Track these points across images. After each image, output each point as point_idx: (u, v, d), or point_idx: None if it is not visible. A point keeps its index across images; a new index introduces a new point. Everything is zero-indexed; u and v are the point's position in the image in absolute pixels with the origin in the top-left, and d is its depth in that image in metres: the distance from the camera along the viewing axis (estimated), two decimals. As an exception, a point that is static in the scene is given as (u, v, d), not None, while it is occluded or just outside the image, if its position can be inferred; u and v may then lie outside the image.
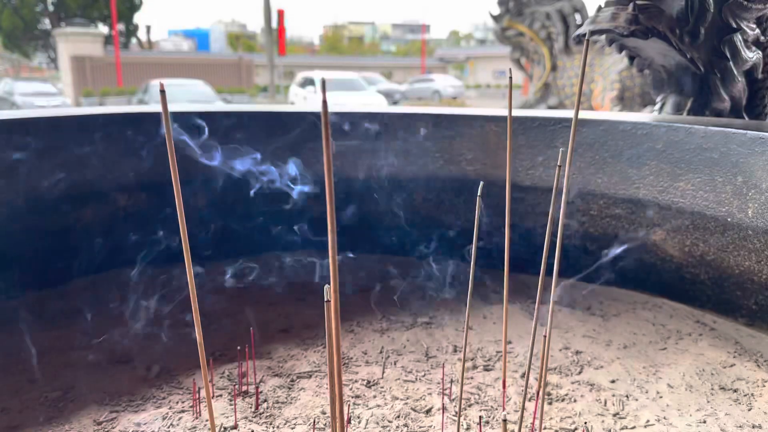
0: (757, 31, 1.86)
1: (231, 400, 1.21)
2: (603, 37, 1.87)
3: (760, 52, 1.88)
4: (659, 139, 1.60)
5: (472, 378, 1.32)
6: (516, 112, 1.88)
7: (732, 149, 1.45)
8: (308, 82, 18.34)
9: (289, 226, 1.76)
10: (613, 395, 1.25)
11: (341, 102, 14.29)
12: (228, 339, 1.48)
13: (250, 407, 1.19)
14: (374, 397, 1.24)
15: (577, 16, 6.44)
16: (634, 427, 1.14)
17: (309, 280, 1.78)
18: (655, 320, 1.62)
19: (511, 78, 0.93)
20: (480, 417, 1.15)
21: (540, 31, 6.64)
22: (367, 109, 1.95)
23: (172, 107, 1.82)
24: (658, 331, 1.56)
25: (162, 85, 0.70)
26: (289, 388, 1.28)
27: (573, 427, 1.14)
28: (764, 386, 1.29)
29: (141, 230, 1.61)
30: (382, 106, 11.64)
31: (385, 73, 32.30)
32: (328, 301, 0.58)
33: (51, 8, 29.10)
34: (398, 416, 1.16)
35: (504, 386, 1.14)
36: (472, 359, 1.41)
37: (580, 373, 1.35)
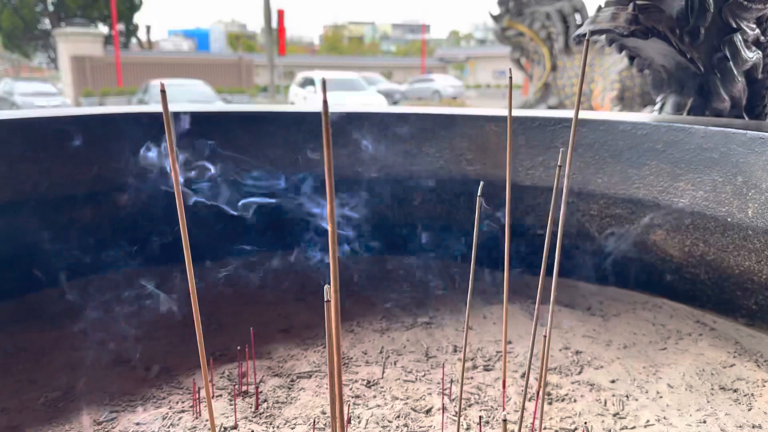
0: (757, 31, 1.86)
1: (231, 400, 1.21)
2: (603, 37, 1.87)
3: (760, 52, 1.88)
4: (659, 139, 1.60)
5: (472, 378, 1.32)
6: (516, 112, 1.88)
7: (732, 149, 1.45)
8: (308, 82, 18.35)
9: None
10: (613, 395, 1.25)
11: (341, 102, 14.29)
12: (228, 339, 1.48)
13: (250, 407, 1.19)
14: (374, 397, 1.24)
15: (577, 16, 6.44)
16: (634, 427, 1.14)
17: (309, 280, 1.78)
18: (655, 320, 1.62)
19: (511, 78, 0.93)
20: (480, 417, 1.15)
21: (540, 31, 6.64)
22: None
23: (173, 107, 1.82)
24: (658, 331, 1.56)
25: (162, 85, 0.70)
26: (289, 388, 1.28)
27: (573, 427, 1.14)
28: (764, 386, 1.29)
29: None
30: (382, 106, 11.64)
31: (385, 73, 32.31)
32: (328, 301, 0.58)
33: (51, 8, 29.11)
34: (398, 416, 1.16)
35: (504, 386, 1.14)
36: (472, 359, 1.41)
37: (580, 373, 1.35)
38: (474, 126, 1.87)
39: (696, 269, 1.58)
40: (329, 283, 0.57)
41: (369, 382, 1.30)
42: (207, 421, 1.14)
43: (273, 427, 1.13)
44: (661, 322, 1.61)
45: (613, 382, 1.31)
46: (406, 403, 1.21)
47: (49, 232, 1.56)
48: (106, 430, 1.12)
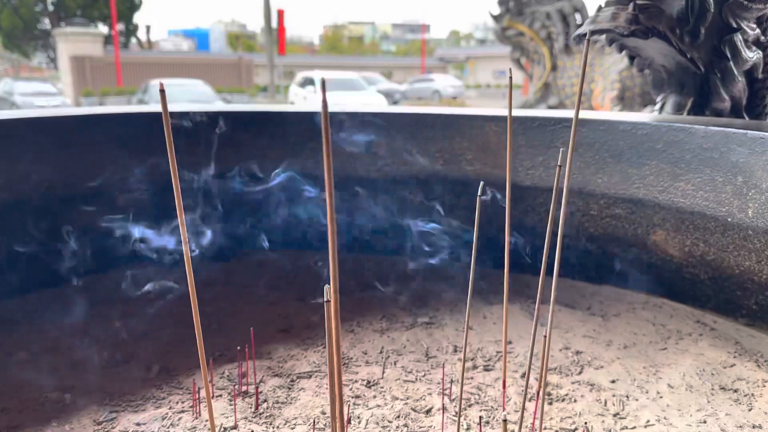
0: (758, 30, 1.86)
1: (231, 401, 1.21)
2: (603, 36, 1.87)
3: (760, 51, 1.87)
4: (659, 138, 1.60)
5: (472, 378, 1.32)
6: (516, 112, 1.88)
7: (732, 149, 1.45)
8: (308, 81, 18.35)
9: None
10: (614, 395, 1.25)
11: (341, 102, 14.29)
12: (228, 339, 1.48)
13: (250, 407, 1.19)
14: (374, 397, 1.24)
15: (578, 16, 6.44)
16: (634, 428, 1.14)
17: (310, 279, 1.78)
18: (655, 320, 1.62)
19: (511, 78, 0.93)
20: (480, 417, 1.15)
21: (540, 30, 6.64)
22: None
23: (172, 107, 1.81)
24: (658, 331, 1.56)
25: (162, 85, 0.70)
26: (289, 388, 1.27)
27: (573, 427, 1.14)
28: (765, 386, 1.29)
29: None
30: (382, 106, 11.64)
31: (385, 73, 32.30)
32: (328, 301, 0.58)
33: (51, 8, 29.10)
34: (398, 416, 1.16)
35: (504, 386, 1.14)
36: (472, 359, 1.41)
37: (580, 373, 1.35)
38: (474, 126, 1.87)
39: (696, 269, 1.58)
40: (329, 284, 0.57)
41: (369, 382, 1.30)
42: (207, 421, 1.14)
43: (273, 428, 1.13)
44: (661, 322, 1.61)
45: (613, 382, 1.31)
46: (406, 403, 1.21)
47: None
48: (106, 430, 1.12)
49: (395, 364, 1.39)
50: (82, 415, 1.16)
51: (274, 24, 21.91)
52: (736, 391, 1.27)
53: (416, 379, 1.32)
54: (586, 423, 1.15)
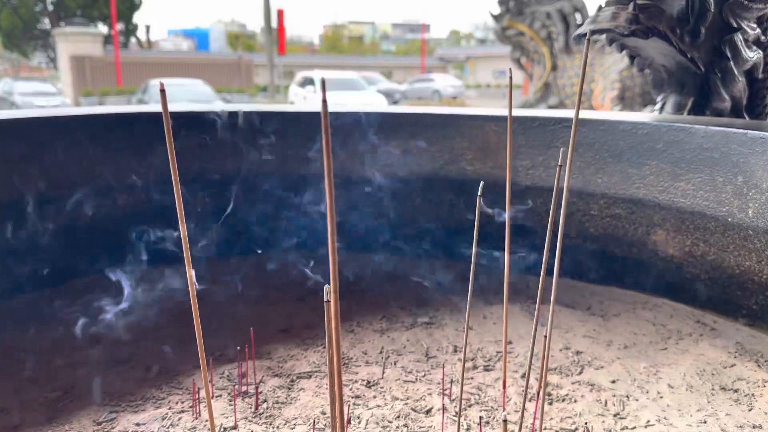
0: (758, 30, 1.86)
1: (231, 401, 1.21)
2: (603, 36, 1.87)
3: (760, 51, 1.87)
4: (660, 138, 1.60)
5: (472, 378, 1.32)
6: (516, 112, 1.88)
7: (732, 149, 1.44)
8: (308, 81, 18.33)
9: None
10: (614, 395, 1.25)
11: (341, 102, 14.29)
12: (228, 339, 1.48)
13: (250, 407, 1.19)
14: (374, 397, 1.24)
15: (578, 16, 6.44)
16: (634, 428, 1.14)
17: (309, 280, 1.78)
18: (655, 320, 1.62)
19: (511, 78, 0.93)
20: (480, 417, 1.15)
21: (540, 30, 6.64)
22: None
23: (172, 107, 1.81)
24: (658, 331, 1.56)
25: (162, 85, 0.70)
26: (289, 389, 1.27)
27: (573, 427, 1.14)
28: (765, 386, 1.28)
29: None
30: (382, 105, 11.64)
31: (385, 73, 32.30)
32: (328, 301, 0.58)
33: (50, 8, 29.10)
34: (398, 416, 1.16)
35: (504, 386, 1.14)
36: (472, 359, 1.41)
37: (580, 373, 1.35)
38: (474, 126, 1.87)
39: (696, 269, 1.58)
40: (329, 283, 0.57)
41: (369, 382, 1.30)
42: (207, 421, 1.14)
43: (273, 428, 1.13)
44: (661, 322, 1.61)
45: (613, 382, 1.31)
46: (406, 404, 1.21)
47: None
48: (105, 430, 1.12)
49: (395, 364, 1.39)
50: (82, 415, 1.16)
51: (274, 24, 21.92)
52: (736, 391, 1.27)
53: (416, 379, 1.32)
54: (586, 423, 1.15)
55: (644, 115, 1.82)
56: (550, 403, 1.22)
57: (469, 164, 1.88)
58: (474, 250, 0.91)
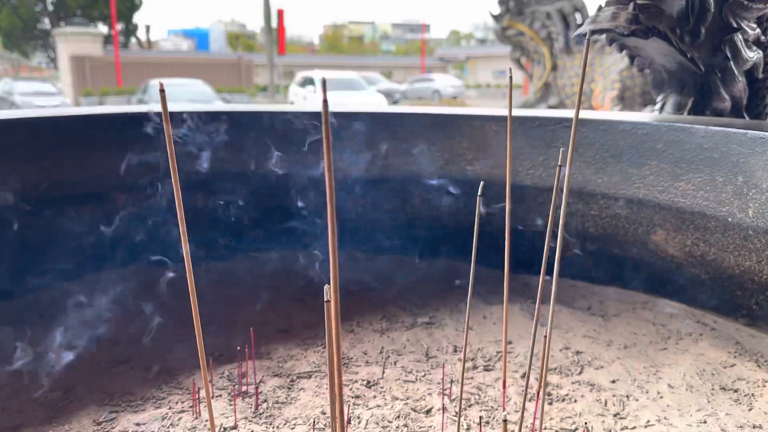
0: (758, 30, 1.86)
1: (231, 401, 1.21)
2: (603, 36, 1.87)
3: (760, 51, 1.87)
4: (660, 138, 1.60)
5: (472, 378, 1.32)
6: (516, 112, 1.87)
7: (732, 149, 1.44)
8: (308, 81, 18.33)
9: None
10: (614, 395, 1.25)
11: (341, 101, 14.29)
12: (228, 339, 1.48)
13: (250, 407, 1.19)
14: (374, 397, 1.24)
15: (578, 16, 6.43)
16: (634, 428, 1.14)
17: (309, 280, 1.78)
18: (655, 320, 1.62)
19: (511, 78, 0.93)
20: (480, 417, 1.15)
21: (540, 30, 6.64)
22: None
23: (172, 107, 1.81)
24: (658, 331, 1.56)
25: (162, 85, 0.70)
26: (289, 389, 1.27)
27: (573, 427, 1.14)
28: (765, 386, 1.28)
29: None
30: (382, 105, 11.64)
31: (385, 73, 32.29)
32: (328, 301, 0.58)
33: (50, 8, 29.10)
34: (398, 416, 1.16)
35: (504, 386, 1.14)
36: (472, 359, 1.41)
37: (580, 373, 1.35)
38: (474, 126, 1.87)
39: (696, 269, 1.58)
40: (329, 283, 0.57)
41: (369, 382, 1.30)
42: (207, 421, 1.14)
43: (273, 428, 1.13)
44: (661, 322, 1.61)
45: (613, 382, 1.31)
46: (406, 404, 1.21)
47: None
48: (105, 430, 1.12)
49: (395, 364, 1.39)
50: (82, 415, 1.16)
51: (274, 24, 21.92)
52: (736, 391, 1.27)
53: (416, 379, 1.32)
54: (586, 423, 1.15)
55: (644, 115, 1.82)
56: (550, 403, 1.22)
57: (469, 164, 1.88)
58: (474, 250, 0.91)
